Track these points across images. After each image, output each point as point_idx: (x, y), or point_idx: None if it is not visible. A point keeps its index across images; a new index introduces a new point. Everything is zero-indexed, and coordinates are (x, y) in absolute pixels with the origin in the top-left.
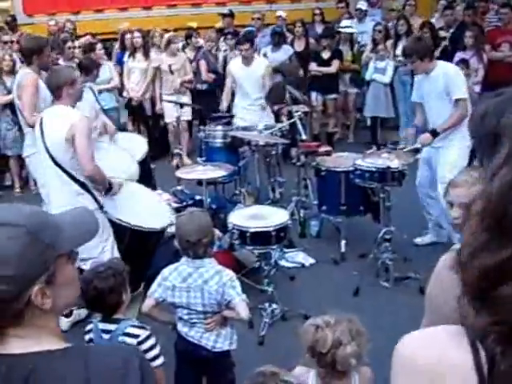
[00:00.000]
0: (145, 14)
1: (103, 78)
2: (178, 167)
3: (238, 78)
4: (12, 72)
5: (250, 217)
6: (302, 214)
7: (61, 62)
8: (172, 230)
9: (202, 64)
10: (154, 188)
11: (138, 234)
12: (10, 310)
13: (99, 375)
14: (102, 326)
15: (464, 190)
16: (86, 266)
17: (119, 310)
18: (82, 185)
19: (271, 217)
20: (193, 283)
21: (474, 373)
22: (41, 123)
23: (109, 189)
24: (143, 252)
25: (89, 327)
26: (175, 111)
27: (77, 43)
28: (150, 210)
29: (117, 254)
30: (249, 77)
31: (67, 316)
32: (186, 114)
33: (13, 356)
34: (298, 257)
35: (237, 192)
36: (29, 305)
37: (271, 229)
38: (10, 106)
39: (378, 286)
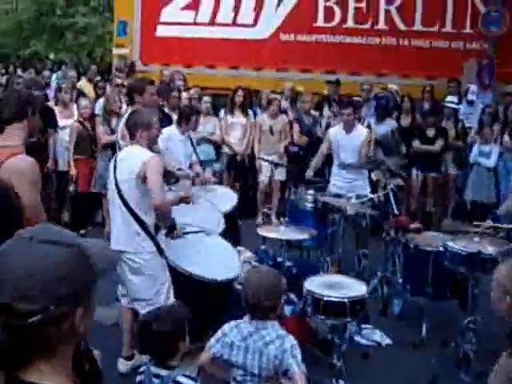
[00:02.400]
0: (255, 74)
1: (206, 130)
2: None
3: (337, 145)
4: (118, 114)
5: (327, 285)
6: (385, 291)
7: (165, 109)
8: None
9: (295, 127)
10: (237, 244)
11: (199, 283)
12: (53, 334)
13: None
14: (154, 369)
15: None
16: (140, 307)
17: (175, 357)
18: (143, 225)
19: (348, 288)
20: (252, 344)
21: None
22: (115, 159)
23: (172, 228)
24: (207, 304)
25: (142, 369)
26: (268, 171)
27: (184, 94)
28: (217, 260)
29: (172, 299)
30: (348, 144)
31: (129, 359)
32: (281, 174)
33: None
34: (374, 335)
35: (321, 259)
36: (67, 331)
37: (346, 300)
38: (111, 146)
39: (457, 378)
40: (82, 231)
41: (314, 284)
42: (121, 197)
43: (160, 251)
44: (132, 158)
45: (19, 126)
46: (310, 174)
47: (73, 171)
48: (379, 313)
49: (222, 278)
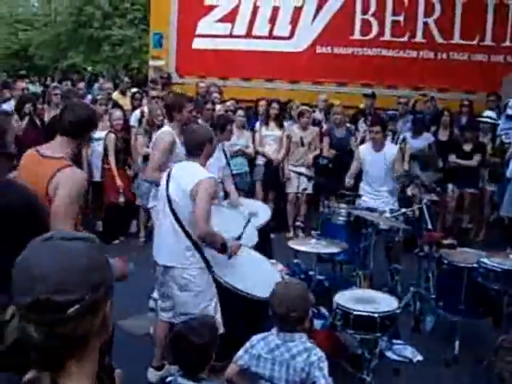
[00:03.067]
0: (290, 87)
1: (240, 143)
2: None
3: (365, 164)
4: (159, 126)
5: (357, 299)
6: (417, 307)
7: (199, 121)
8: None
9: (326, 140)
10: (269, 258)
11: (243, 300)
12: (88, 327)
13: None
14: (181, 381)
15: None
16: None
17: (205, 369)
18: (194, 242)
19: (379, 303)
20: (279, 356)
21: None
22: (169, 174)
23: (223, 250)
24: (248, 320)
25: (168, 379)
26: (297, 183)
27: (219, 107)
28: (260, 278)
29: (219, 317)
30: (376, 162)
31: (159, 369)
32: (308, 187)
33: None
34: (406, 350)
35: (354, 274)
36: (100, 323)
37: (376, 315)
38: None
39: None
40: (116, 241)
41: (343, 298)
42: (173, 212)
43: (208, 267)
44: (186, 176)
45: (70, 140)
46: (348, 181)
47: (119, 182)
48: (411, 329)
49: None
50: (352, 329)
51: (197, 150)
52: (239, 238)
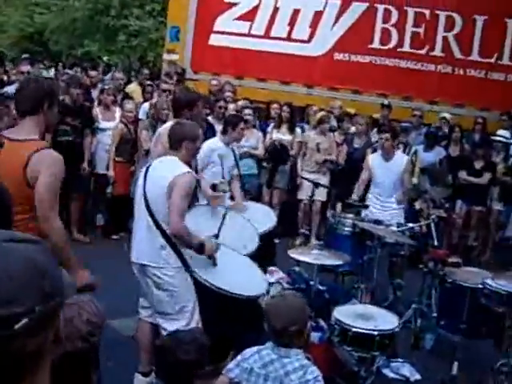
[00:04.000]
0: (305, 91)
1: (250, 144)
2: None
3: (375, 173)
4: (164, 121)
5: (357, 315)
6: (418, 324)
7: (210, 118)
8: None
9: (344, 148)
10: (271, 264)
11: (225, 298)
12: (40, 343)
13: None
14: None
15: None
16: (162, 321)
17: None
18: (168, 239)
19: (379, 320)
20: (273, 372)
21: None
22: (147, 170)
23: (201, 249)
24: (231, 320)
25: None
26: (310, 190)
27: (231, 106)
28: (243, 276)
29: (197, 318)
30: (385, 172)
31: (146, 375)
32: (321, 194)
33: None
34: (403, 369)
35: (356, 286)
36: (52, 339)
37: (375, 333)
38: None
39: None
40: (115, 236)
41: (343, 313)
42: (148, 208)
43: (186, 266)
44: (165, 170)
45: (34, 119)
46: (354, 197)
47: (111, 173)
48: (411, 346)
49: (250, 294)
50: (349, 346)
51: (175, 143)
52: (217, 236)
